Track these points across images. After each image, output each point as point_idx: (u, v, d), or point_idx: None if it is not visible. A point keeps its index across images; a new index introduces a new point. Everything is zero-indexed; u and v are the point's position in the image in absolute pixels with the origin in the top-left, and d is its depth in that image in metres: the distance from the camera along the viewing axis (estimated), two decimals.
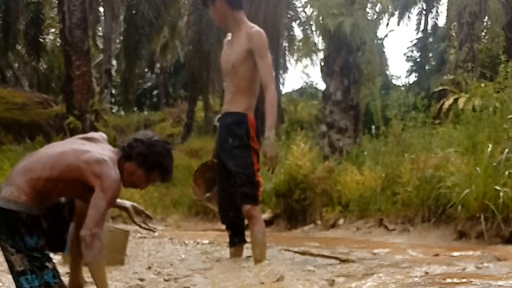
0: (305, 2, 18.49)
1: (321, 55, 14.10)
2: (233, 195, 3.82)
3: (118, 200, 2.73)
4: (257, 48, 3.69)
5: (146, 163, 2.56)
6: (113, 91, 26.01)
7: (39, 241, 2.44)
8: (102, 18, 22.90)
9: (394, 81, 24.72)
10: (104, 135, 2.78)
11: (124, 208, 2.96)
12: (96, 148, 2.54)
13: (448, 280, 2.74)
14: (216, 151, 3.97)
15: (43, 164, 2.46)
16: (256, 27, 3.78)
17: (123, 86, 26.24)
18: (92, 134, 2.76)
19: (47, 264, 2.46)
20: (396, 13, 21.66)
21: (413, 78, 25.52)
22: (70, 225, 2.70)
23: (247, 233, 4.10)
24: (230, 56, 3.81)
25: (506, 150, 5.30)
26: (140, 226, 3.06)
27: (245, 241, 4.15)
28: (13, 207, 2.40)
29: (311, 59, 19.07)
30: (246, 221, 4.06)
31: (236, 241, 4.09)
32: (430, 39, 24.85)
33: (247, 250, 4.20)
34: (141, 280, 3.60)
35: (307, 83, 27.91)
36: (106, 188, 2.39)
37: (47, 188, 2.44)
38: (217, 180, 4.01)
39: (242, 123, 3.75)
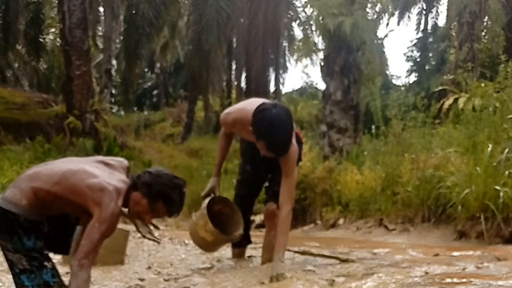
0: (305, 2, 18.47)
1: (321, 55, 14.12)
2: (265, 188, 3.88)
3: (125, 209, 2.72)
4: (286, 163, 3.45)
5: (150, 192, 2.55)
6: (113, 91, 25.97)
7: (37, 242, 2.46)
8: (102, 18, 22.86)
9: (394, 81, 24.81)
10: (125, 162, 2.76)
11: (130, 218, 2.93)
12: (106, 175, 2.53)
13: (448, 280, 2.74)
14: None
15: (50, 176, 2.48)
16: (295, 145, 3.56)
17: (123, 86, 26.22)
18: (111, 160, 2.74)
19: (45, 263, 2.47)
20: (396, 13, 21.65)
21: (413, 78, 25.54)
22: (76, 228, 2.70)
23: (250, 233, 4.10)
24: None
25: (506, 150, 5.29)
26: (145, 237, 3.05)
27: (250, 242, 4.14)
28: (13, 209, 2.41)
29: (311, 59, 19.03)
30: (251, 221, 4.08)
31: (243, 242, 4.07)
32: (430, 39, 24.83)
33: (247, 250, 4.21)
34: (141, 280, 3.60)
35: (307, 83, 28.06)
36: (102, 219, 2.39)
37: (48, 201, 2.46)
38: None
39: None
